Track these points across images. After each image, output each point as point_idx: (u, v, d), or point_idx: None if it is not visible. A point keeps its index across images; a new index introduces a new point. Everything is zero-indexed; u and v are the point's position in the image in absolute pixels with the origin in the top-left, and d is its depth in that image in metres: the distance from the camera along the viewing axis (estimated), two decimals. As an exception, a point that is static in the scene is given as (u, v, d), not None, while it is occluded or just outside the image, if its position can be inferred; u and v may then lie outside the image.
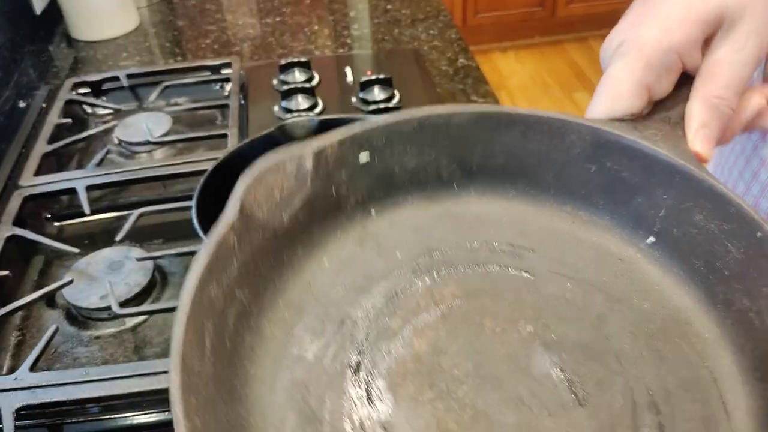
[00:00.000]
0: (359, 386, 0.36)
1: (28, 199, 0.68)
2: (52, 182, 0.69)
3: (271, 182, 0.38)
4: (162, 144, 0.79)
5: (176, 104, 0.88)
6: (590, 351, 0.37)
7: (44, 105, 0.86)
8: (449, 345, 0.37)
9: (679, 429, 0.34)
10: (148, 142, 0.78)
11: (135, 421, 0.48)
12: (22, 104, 0.87)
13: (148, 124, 0.79)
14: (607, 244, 0.42)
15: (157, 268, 0.64)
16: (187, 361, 0.30)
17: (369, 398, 0.35)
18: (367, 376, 0.36)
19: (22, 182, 0.70)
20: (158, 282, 0.63)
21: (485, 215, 0.43)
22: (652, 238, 0.41)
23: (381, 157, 0.43)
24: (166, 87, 0.89)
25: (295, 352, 0.37)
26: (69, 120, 0.82)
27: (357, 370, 0.36)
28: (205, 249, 0.34)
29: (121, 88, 0.89)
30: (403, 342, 0.37)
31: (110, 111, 0.86)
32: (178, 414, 0.28)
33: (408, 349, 0.37)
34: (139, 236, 0.65)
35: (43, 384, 0.47)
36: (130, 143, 0.79)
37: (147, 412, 0.49)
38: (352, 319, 0.38)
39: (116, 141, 0.81)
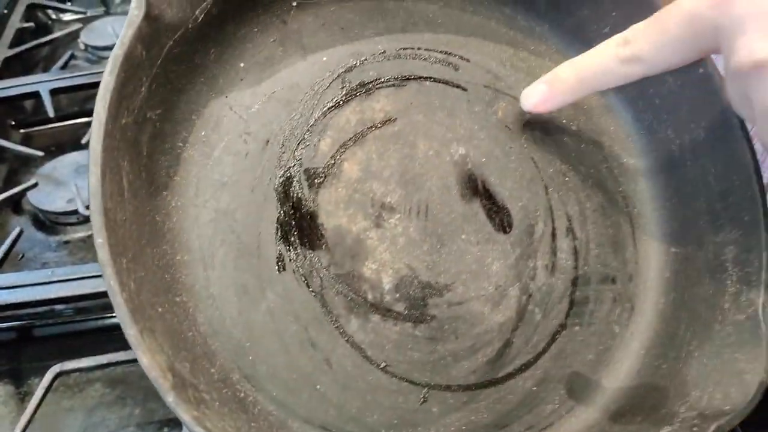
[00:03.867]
0: (289, 216, 0.33)
1: (-12, 103, 0.63)
2: (14, 86, 0.64)
3: None
4: (129, 47, 0.73)
5: (144, 8, 0.80)
6: (518, 175, 0.37)
7: (5, 11, 0.78)
8: (381, 169, 0.35)
9: (591, 253, 0.37)
10: (115, 46, 0.72)
11: (107, 323, 0.48)
12: (-20, 9, 0.78)
13: (114, 28, 0.75)
14: (542, 58, 0.40)
15: (127, 173, 0.59)
16: (111, 215, 0.26)
17: (300, 228, 0.33)
18: (297, 205, 0.34)
19: (-19, 87, 0.65)
20: (127, 187, 0.59)
21: (419, 14, 0.38)
22: None
23: None
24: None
25: (218, 177, 0.33)
26: (32, 24, 0.77)
27: (286, 197, 0.34)
28: (111, 68, 0.27)
29: (86, -9, 0.83)
30: (334, 165, 0.35)
31: (76, 17, 0.82)
32: (113, 284, 0.25)
33: (338, 173, 0.35)
34: (107, 142, 0.60)
35: (8, 285, 0.45)
36: (96, 47, 0.74)
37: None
38: (278, 138, 0.35)
39: (82, 46, 0.75)
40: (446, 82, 0.38)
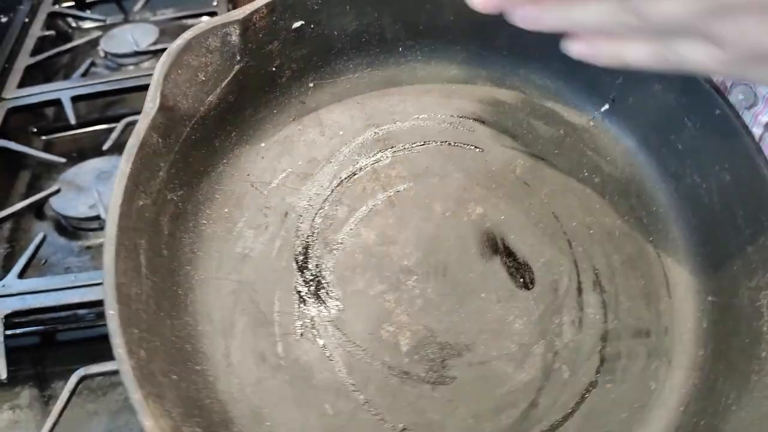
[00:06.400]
0: (307, 283, 0.35)
1: (12, 111, 0.65)
2: (36, 93, 0.67)
3: (193, 63, 0.34)
4: (149, 54, 0.76)
5: (163, 15, 0.84)
6: (539, 231, 0.37)
7: (27, 20, 0.81)
8: (398, 233, 0.36)
9: (622, 306, 0.36)
10: (135, 53, 0.75)
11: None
12: (3, 19, 0.82)
13: (134, 35, 0.77)
14: (560, 112, 0.40)
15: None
16: (124, 290, 0.28)
17: (318, 295, 0.34)
18: (316, 272, 0.35)
19: (5, 94, 0.67)
20: (149, 192, 0.62)
21: (432, 82, 0.40)
22: (606, 106, 0.39)
23: (317, 22, 0.38)
24: (152, -4, 0.85)
25: (239, 251, 0.35)
26: (52, 32, 0.79)
27: (305, 265, 0.35)
28: (126, 157, 0.30)
29: (106, 0, 0.86)
30: (351, 232, 0.36)
31: (95, 24, 0.84)
32: (121, 353, 0.27)
33: (356, 239, 0.36)
34: (127, 148, 0.65)
35: (32, 290, 0.47)
36: (116, 55, 0.76)
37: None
38: (297, 210, 0.36)
39: (102, 54, 0.78)
40: (462, 144, 0.39)
